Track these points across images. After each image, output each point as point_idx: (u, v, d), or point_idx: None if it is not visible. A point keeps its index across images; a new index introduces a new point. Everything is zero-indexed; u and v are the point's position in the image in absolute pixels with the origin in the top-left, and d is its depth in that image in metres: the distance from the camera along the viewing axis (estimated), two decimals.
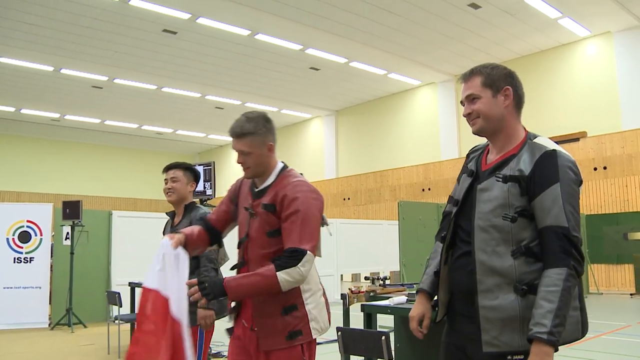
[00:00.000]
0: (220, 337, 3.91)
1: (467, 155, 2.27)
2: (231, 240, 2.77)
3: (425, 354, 4.09)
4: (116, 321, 6.86)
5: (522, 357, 1.90)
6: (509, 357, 1.93)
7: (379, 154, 20.87)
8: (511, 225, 1.93)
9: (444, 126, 18.43)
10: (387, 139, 20.66)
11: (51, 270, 9.76)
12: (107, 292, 7.10)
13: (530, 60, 16.42)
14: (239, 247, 2.55)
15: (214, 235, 2.66)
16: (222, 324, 3.42)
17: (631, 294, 12.89)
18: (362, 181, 21.18)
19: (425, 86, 19.38)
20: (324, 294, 2.57)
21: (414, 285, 4.90)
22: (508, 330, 1.90)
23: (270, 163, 2.51)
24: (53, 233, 10.02)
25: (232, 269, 2.57)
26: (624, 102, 14.38)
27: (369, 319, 4.51)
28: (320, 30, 14.38)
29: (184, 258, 2.36)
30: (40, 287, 9.57)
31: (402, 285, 5.27)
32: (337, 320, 3.66)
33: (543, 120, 15.80)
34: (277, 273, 2.23)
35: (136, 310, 2.42)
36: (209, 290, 2.17)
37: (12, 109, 21.32)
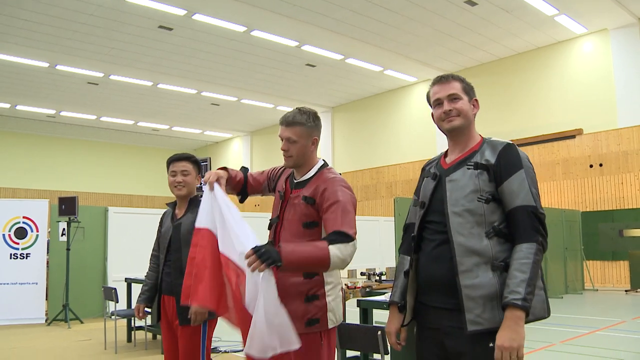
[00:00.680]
0: (217, 333, 3.91)
1: (423, 169, 2.44)
2: None
3: None
4: (113, 316, 6.87)
5: None
6: (491, 345, 2.00)
7: (375, 150, 20.89)
8: (484, 207, 2.11)
9: None
10: (383, 136, 20.67)
11: (47, 266, 9.76)
12: (104, 287, 7.10)
13: (526, 58, 16.44)
14: (269, 228, 2.71)
15: (243, 190, 2.86)
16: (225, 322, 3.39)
17: (626, 291, 12.95)
18: (358, 178, 21.20)
19: (422, 83, 19.38)
20: (342, 288, 2.68)
21: None
22: (489, 307, 2.03)
23: (312, 157, 2.67)
24: (49, 229, 10.01)
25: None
26: (620, 100, 14.40)
27: (365, 314, 4.53)
28: (316, 26, 14.37)
29: (221, 196, 2.55)
30: (36, 283, 9.57)
31: None
32: None
33: (539, 117, 15.84)
34: (330, 247, 2.31)
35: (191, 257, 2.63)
36: (267, 255, 2.18)
37: (7, 105, 21.24)
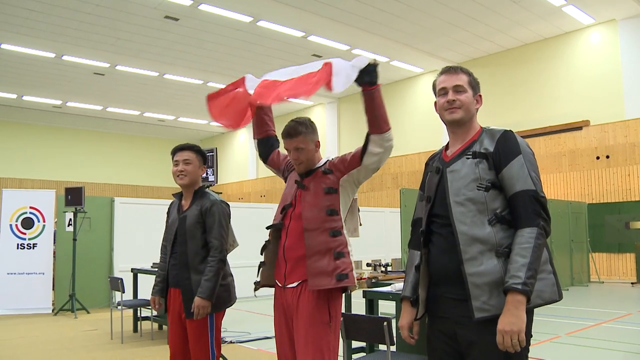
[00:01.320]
0: (223, 323, 3.92)
1: (427, 164, 2.49)
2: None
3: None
4: (119, 307, 6.91)
5: None
6: None
7: None
8: (485, 194, 2.13)
9: None
10: None
11: (54, 256, 9.82)
12: (110, 278, 7.13)
13: (533, 48, 16.33)
14: (282, 212, 2.97)
15: (268, 144, 3.35)
16: (231, 313, 3.44)
17: (632, 283, 12.92)
18: None
19: (428, 74, 19.29)
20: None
21: None
22: (496, 294, 2.04)
23: (317, 157, 3.04)
24: (56, 219, 10.06)
25: (268, 227, 3.00)
26: (628, 91, 14.30)
27: (371, 305, 4.54)
28: (322, 17, 14.31)
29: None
30: (43, 273, 9.64)
31: (404, 272, 5.27)
32: None
33: (546, 108, 15.75)
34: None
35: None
36: (376, 72, 2.71)
37: (14, 96, 21.28)
